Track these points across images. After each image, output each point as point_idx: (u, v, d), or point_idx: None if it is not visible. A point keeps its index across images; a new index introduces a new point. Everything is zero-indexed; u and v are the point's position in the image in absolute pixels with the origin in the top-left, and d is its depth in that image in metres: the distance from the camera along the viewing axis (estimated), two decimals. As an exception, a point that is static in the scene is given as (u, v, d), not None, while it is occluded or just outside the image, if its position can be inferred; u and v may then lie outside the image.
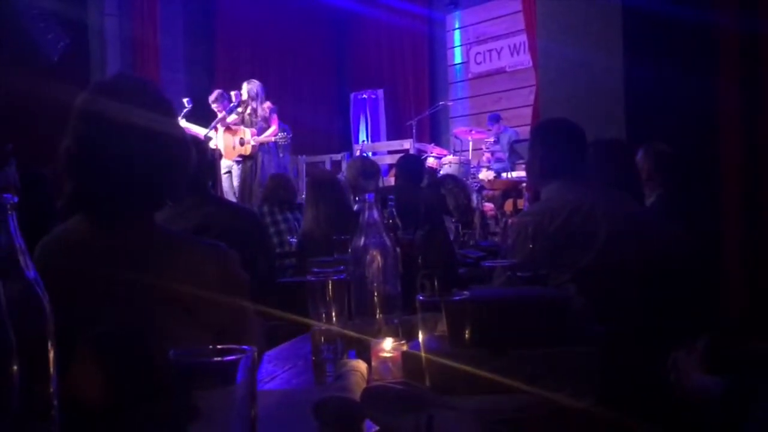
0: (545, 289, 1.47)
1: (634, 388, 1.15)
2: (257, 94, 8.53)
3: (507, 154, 9.37)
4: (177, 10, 10.29)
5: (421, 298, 1.26)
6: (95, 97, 1.58)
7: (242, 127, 8.51)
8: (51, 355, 0.79)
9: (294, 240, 4.96)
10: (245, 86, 8.58)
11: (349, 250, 2.41)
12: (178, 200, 1.70)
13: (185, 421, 0.74)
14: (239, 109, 8.49)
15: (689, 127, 4.37)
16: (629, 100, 4.71)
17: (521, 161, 8.93)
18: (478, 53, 11.72)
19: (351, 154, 10.51)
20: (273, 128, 8.50)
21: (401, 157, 6.16)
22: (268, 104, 8.57)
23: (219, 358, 0.73)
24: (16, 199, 0.79)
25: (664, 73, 4.49)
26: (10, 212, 0.78)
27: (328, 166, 10.46)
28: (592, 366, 1.18)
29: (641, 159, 4.05)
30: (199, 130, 7.85)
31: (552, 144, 2.81)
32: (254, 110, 8.50)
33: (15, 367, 0.64)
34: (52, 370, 0.80)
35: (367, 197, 1.65)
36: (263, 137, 8.42)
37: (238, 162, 8.45)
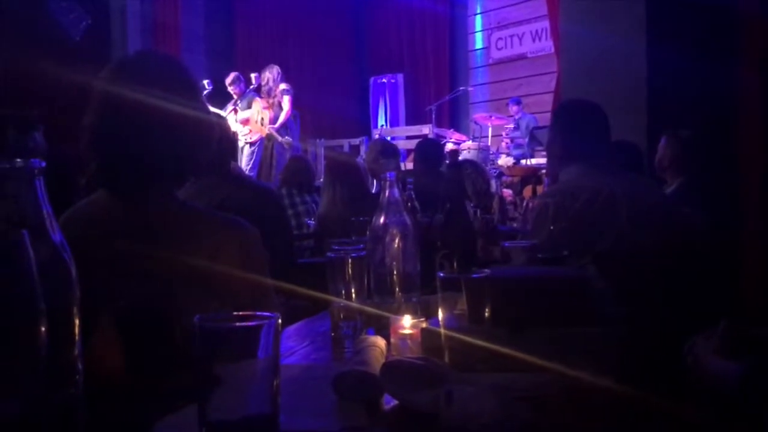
0: (566, 269, 1.47)
1: (654, 369, 1.14)
2: (275, 79, 8.60)
3: (526, 141, 9.33)
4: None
5: (441, 275, 1.26)
6: (119, 73, 1.59)
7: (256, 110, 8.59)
8: (76, 320, 0.80)
9: (312, 222, 4.98)
10: (265, 72, 8.67)
11: (368, 231, 2.41)
12: (200, 176, 1.71)
13: (208, 390, 0.75)
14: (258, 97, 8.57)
15: (711, 113, 4.33)
16: (652, 85, 4.68)
17: (540, 148, 8.89)
18: (500, 38, 11.66)
19: (369, 139, 10.50)
20: (286, 110, 8.56)
21: (420, 142, 6.15)
22: (283, 86, 8.63)
23: (243, 324, 0.73)
24: (43, 164, 0.79)
25: (687, 58, 4.44)
26: (37, 177, 0.78)
27: (346, 150, 10.46)
28: (612, 346, 1.18)
29: (664, 146, 4.02)
30: (216, 112, 7.91)
31: (572, 125, 2.77)
32: (269, 93, 8.57)
33: (43, 330, 0.65)
34: (77, 335, 0.81)
35: (388, 175, 1.65)
36: (279, 123, 8.49)
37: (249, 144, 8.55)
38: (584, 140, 2.72)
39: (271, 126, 8.55)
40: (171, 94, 1.56)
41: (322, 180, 4.99)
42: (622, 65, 4.84)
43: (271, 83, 8.65)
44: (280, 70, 8.81)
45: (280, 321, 0.75)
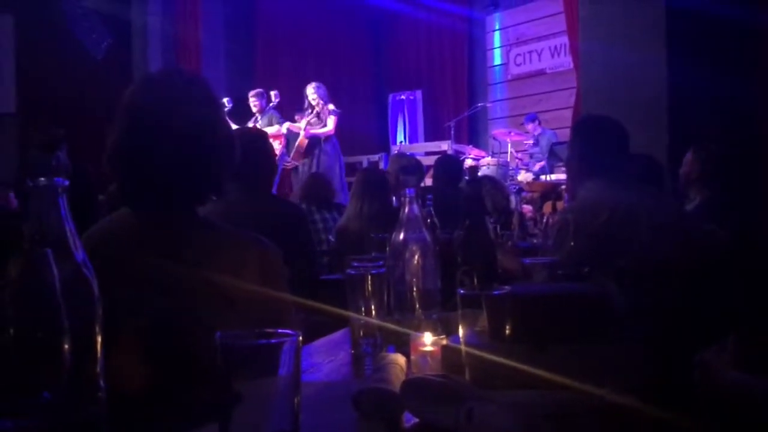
0: (587, 285, 1.46)
1: (676, 386, 1.13)
2: (322, 96, 8.62)
3: (546, 156, 9.31)
4: (218, 9, 10.40)
5: (461, 291, 1.25)
6: (143, 91, 1.61)
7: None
8: (99, 337, 0.81)
9: (331, 238, 4.99)
10: (310, 89, 8.68)
11: (387, 248, 2.41)
12: (222, 195, 1.72)
13: (229, 407, 0.75)
14: (308, 111, 8.61)
15: (732, 128, 4.30)
16: (672, 99, 4.66)
17: (560, 164, 8.86)
18: (518, 55, 11.66)
19: (388, 155, 10.51)
20: (328, 129, 8.58)
21: (439, 158, 6.16)
22: (331, 106, 8.66)
23: (264, 341, 0.73)
24: (67, 183, 0.80)
25: (707, 73, 4.43)
26: (60, 195, 0.79)
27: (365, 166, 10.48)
28: (634, 363, 1.17)
29: (690, 160, 3.99)
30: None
31: (592, 141, 2.76)
32: (321, 110, 8.59)
33: (67, 348, 0.65)
34: (99, 353, 0.81)
35: (407, 192, 1.66)
36: (317, 131, 8.50)
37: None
38: (604, 156, 2.71)
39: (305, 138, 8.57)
40: (195, 112, 1.57)
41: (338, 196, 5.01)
42: (641, 80, 4.83)
43: (318, 100, 8.66)
44: (326, 89, 8.84)
45: (300, 338, 0.75)
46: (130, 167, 1.59)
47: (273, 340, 0.73)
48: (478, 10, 12.10)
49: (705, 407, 1.06)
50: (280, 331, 0.76)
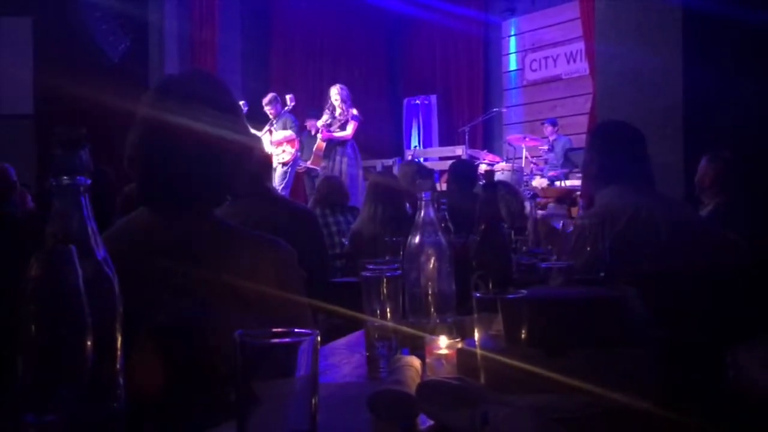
0: (604, 290, 1.45)
1: (694, 390, 1.13)
2: (345, 100, 8.65)
3: (561, 162, 9.29)
4: (235, 11, 10.45)
5: (477, 295, 1.25)
6: (163, 92, 1.62)
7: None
8: (119, 335, 0.81)
9: (345, 241, 4.99)
10: (334, 90, 8.71)
11: (401, 252, 2.40)
12: (238, 197, 1.72)
13: (247, 406, 0.75)
14: (326, 116, 8.64)
15: (748, 133, 4.28)
16: (688, 105, 4.64)
17: (575, 170, 8.85)
18: (534, 60, 11.65)
19: (402, 159, 10.53)
20: (347, 133, 8.60)
21: (454, 163, 6.15)
22: (354, 111, 8.68)
23: (283, 339, 0.74)
24: (89, 182, 0.81)
25: (724, 78, 4.40)
26: (83, 194, 0.80)
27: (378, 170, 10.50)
28: (651, 368, 1.17)
29: (705, 165, 3.98)
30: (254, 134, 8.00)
31: (609, 147, 2.76)
32: (342, 113, 8.61)
33: (89, 345, 0.66)
34: (119, 350, 0.82)
35: (423, 195, 1.66)
36: (335, 134, 8.52)
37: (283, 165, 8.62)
38: (621, 161, 2.71)
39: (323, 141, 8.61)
40: (213, 115, 1.58)
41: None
42: (658, 86, 4.81)
43: (341, 103, 8.69)
44: (349, 92, 8.87)
45: (318, 338, 0.76)
46: (148, 168, 1.60)
47: (291, 339, 0.74)
48: (494, 16, 12.11)
49: (737, 407, 1.05)
50: (298, 330, 0.76)
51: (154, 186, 1.61)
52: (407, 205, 4.75)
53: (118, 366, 0.82)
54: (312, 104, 10.15)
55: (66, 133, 0.79)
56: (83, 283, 0.72)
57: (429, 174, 5.20)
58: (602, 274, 1.59)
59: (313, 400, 0.77)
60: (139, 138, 1.59)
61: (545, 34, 11.45)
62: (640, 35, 4.89)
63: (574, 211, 7.59)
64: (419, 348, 1.46)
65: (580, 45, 10.11)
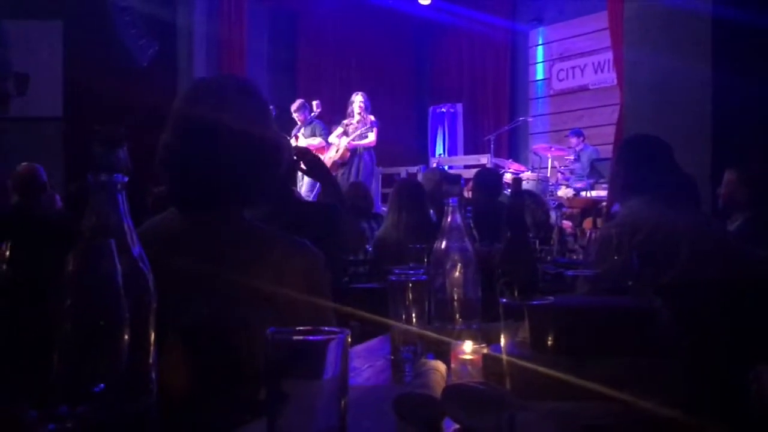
0: (631, 299, 1.45)
1: (721, 401, 1.12)
2: (365, 107, 8.72)
3: (587, 173, 9.24)
4: (263, 14, 10.53)
5: (504, 301, 1.26)
6: (197, 95, 1.64)
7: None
8: (152, 331, 0.83)
9: (369, 248, 5.01)
10: (359, 98, 8.77)
11: (425, 259, 2.40)
12: (268, 201, 1.74)
13: (278, 403, 0.76)
14: (345, 121, 8.69)
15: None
16: (717, 116, 4.60)
17: (601, 180, 8.80)
18: (561, 70, 11.62)
19: (427, 167, 10.53)
20: (370, 140, 8.65)
21: (479, 171, 6.15)
22: (372, 117, 8.74)
23: (314, 337, 0.75)
24: (126, 179, 0.82)
25: (753, 89, 4.36)
26: (120, 191, 0.82)
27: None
28: (678, 377, 1.16)
29: (730, 180, 3.94)
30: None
31: (636, 159, 2.78)
32: (361, 120, 8.66)
33: (126, 338, 0.67)
34: (153, 345, 0.83)
35: (450, 201, 1.66)
36: (358, 142, 8.57)
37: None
38: (647, 174, 2.72)
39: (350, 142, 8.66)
40: (245, 118, 1.60)
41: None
42: (686, 96, 4.79)
43: (362, 111, 8.75)
44: (368, 98, 8.94)
45: (349, 338, 0.77)
46: (179, 169, 1.62)
47: (322, 337, 0.75)
48: (521, 25, 12.09)
49: (760, 421, 1.05)
50: (329, 329, 0.77)
51: (184, 187, 1.62)
52: (431, 212, 4.76)
53: (151, 361, 0.83)
54: (337, 111, 10.18)
55: (106, 132, 0.81)
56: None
57: (456, 180, 5.20)
58: (630, 283, 1.58)
59: (343, 401, 0.77)
60: (170, 140, 1.61)
61: (573, 44, 11.41)
62: (669, 45, 4.87)
63: (600, 222, 7.55)
64: (444, 353, 1.46)
65: (608, 55, 10.07)
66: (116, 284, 0.65)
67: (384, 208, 6.06)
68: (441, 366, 1.33)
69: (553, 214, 6.08)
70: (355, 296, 3.65)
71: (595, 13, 10.24)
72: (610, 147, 8.87)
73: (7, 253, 0.62)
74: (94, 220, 0.80)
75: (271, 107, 1.75)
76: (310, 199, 8.41)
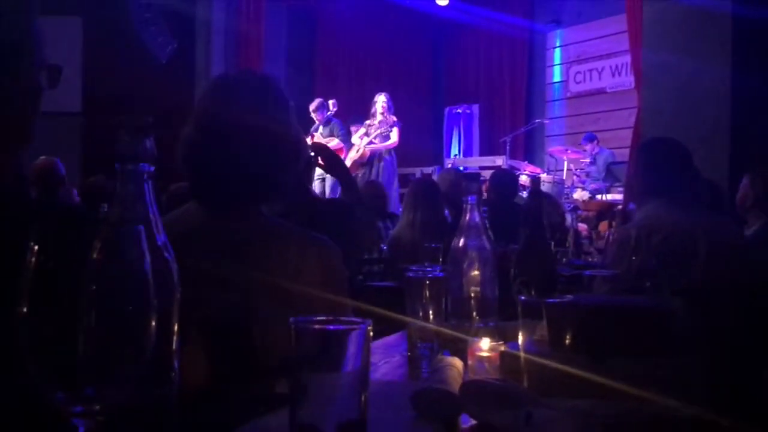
0: (650, 300, 1.45)
1: (737, 402, 1.12)
2: (388, 107, 8.75)
3: (603, 176, 9.21)
4: (282, 19, 10.56)
5: (522, 298, 1.26)
6: (218, 90, 1.65)
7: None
8: (175, 320, 0.84)
9: (384, 247, 5.01)
10: (382, 98, 8.80)
11: (440, 258, 2.40)
12: (285, 197, 1.75)
13: (298, 396, 0.76)
14: (368, 121, 8.73)
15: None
16: (735, 121, 4.58)
17: (617, 184, 8.77)
18: (578, 72, 11.57)
19: (441, 168, 10.52)
20: (393, 141, 8.67)
21: (495, 172, 6.14)
22: (394, 118, 8.77)
23: (335, 327, 0.75)
24: (152, 168, 0.83)
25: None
26: (146, 180, 0.83)
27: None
28: (696, 378, 1.16)
29: (747, 185, 3.92)
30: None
31: (654, 163, 2.78)
32: (383, 121, 8.69)
33: (153, 325, 0.67)
34: (175, 334, 0.84)
35: (469, 199, 1.66)
36: (380, 144, 8.59)
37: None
38: (665, 177, 2.72)
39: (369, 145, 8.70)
40: (266, 115, 1.61)
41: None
42: (704, 99, 4.76)
43: (384, 111, 8.78)
44: (390, 99, 8.97)
45: (370, 329, 0.77)
46: (200, 165, 1.63)
47: (344, 327, 0.75)
48: (539, 27, 12.05)
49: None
50: (349, 319, 0.78)
51: (205, 183, 1.64)
52: (447, 211, 4.75)
53: (174, 349, 0.84)
54: (354, 110, 10.20)
55: (133, 121, 0.81)
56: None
57: (475, 177, 5.19)
58: (648, 284, 1.58)
59: (363, 393, 0.78)
60: (192, 135, 1.62)
61: (590, 47, 11.36)
62: (689, 47, 4.84)
63: (615, 224, 7.51)
64: (461, 350, 1.46)
65: (626, 58, 10.02)
66: (145, 270, 0.66)
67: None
68: (458, 362, 1.33)
69: (568, 217, 6.06)
70: (370, 294, 3.66)
71: (614, 15, 10.19)
72: (627, 150, 8.83)
73: (36, 247, 0.62)
74: (120, 208, 0.81)
75: (291, 104, 1.76)
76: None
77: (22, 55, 1.22)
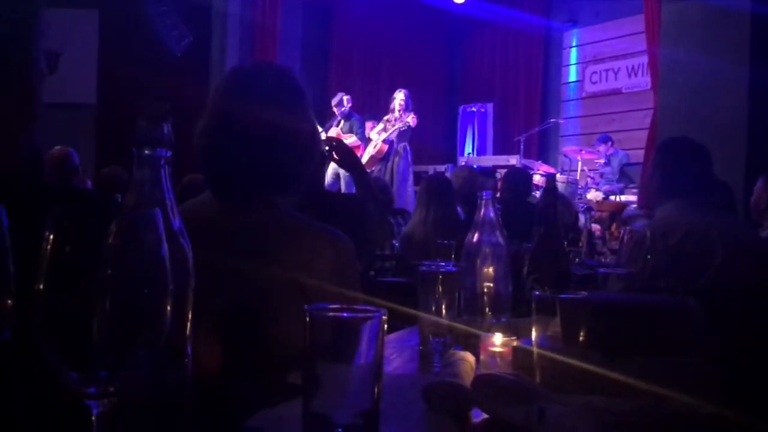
0: (666, 298, 1.43)
1: (751, 401, 1.11)
2: (406, 104, 8.78)
3: (617, 177, 9.17)
4: (297, 13, 10.55)
5: (536, 294, 1.25)
6: (235, 82, 1.65)
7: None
8: (190, 305, 0.84)
9: (395, 243, 5.00)
10: (401, 95, 8.83)
11: (452, 255, 2.39)
12: (301, 190, 1.75)
13: (312, 385, 0.76)
14: (386, 117, 8.76)
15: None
16: (752, 121, 4.55)
17: (631, 185, 8.74)
18: (594, 72, 11.52)
19: (455, 166, 10.50)
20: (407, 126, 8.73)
21: (509, 171, 6.13)
22: (413, 115, 8.80)
23: (351, 314, 0.75)
24: (169, 154, 0.83)
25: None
26: (163, 166, 0.82)
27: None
28: (710, 377, 1.15)
29: (761, 188, 3.90)
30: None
31: (672, 163, 2.76)
32: (399, 117, 8.72)
33: (169, 309, 0.67)
34: (189, 320, 0.84)
35: (484, 194, 1.66)
36: (393, 134, 8.62)
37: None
38: (683, 179, 2.71)
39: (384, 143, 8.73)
40: (282, 107, 1.61)
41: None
42: (721, 99, 4.73)
43: (400, 108, 8.81)
44: (409, 96, 9.00)
45: (386, 318, 0.76)
46: (216, 154, 1.63)
47: (359, 315, 0.75)
48: (555, 26, 12.01)
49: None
50: (365, 307, 0.77)
51: (220, 173, 1.64)
52: (459, 209, 4.75)
53: (187, 334, 0.84)
54: (367, 107, 10.20)
55: (151, 106, 0.81)
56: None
57: (491, 173, 5.18)
58: (663, 284, 1.57)
59: (377, 384, 0.77)
60: (209, 125, 1.62)
61: (607, 47, 11.31)
62: (707, 46, 4.81)
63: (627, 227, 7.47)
64: (473, 346, 1.46)
65: (642, 59, 9.98)
66: (161, 254, 0.66)
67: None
68: (470, 357, 1.33)
69: (582, 217, 6.04)
70: (381, 290, 3.65)
71: (631, 15, 10.15)
72: (641, 152, 8.80)
73: (53, 231, 0.62)
74: (136, 193, 0.81)
75: (308, 96, 1.76)
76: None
77: (27, 30, 1.23)
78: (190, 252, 0.83)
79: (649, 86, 9.42)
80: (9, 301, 0.67)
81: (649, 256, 1.89)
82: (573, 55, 11.94)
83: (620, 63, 11.11)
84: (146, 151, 0.81)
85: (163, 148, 0.83)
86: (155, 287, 0.65)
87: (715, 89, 4.75)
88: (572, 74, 11.94)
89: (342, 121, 8.93)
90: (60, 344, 0.64)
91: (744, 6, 4.57)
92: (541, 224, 1.76)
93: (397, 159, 8.67)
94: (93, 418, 0.65)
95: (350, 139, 8.74)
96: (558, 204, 4.41)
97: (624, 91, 11.06)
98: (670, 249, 2.39)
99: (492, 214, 1.65)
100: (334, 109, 8.92)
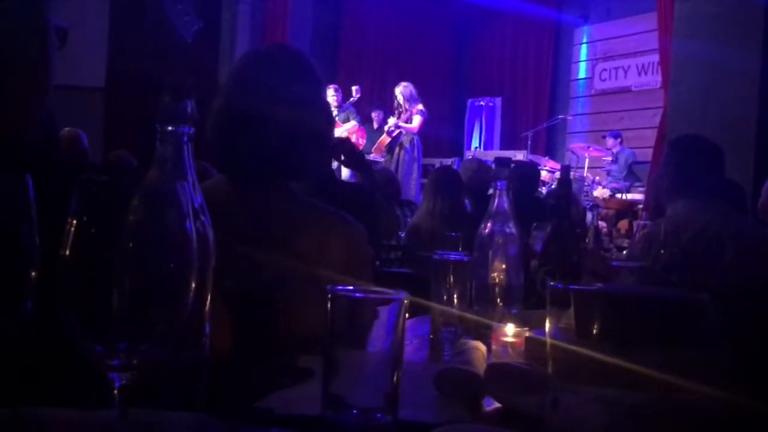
0: (681, 291, 1.43)
1: (764, 396, 1.10)
2: (409, 97, 8.77)
3: (624, 175, 9.15)
4: (306, 6, 10.52)
5: (551, 284, 1.24)
6: (250, 65, 1.65)
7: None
8: (209, 283, 0.83)
9: (401, 234, 5.00)
10: (398, 89, 8.82)
11: (459, 247, 2.39)
12: (312, 175, 1.75)
13: (334, 362, 0.76)
14: (393, 119, 8.78)
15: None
16: (762, 121, 4.53)
17: (638, 183, 8.72)
18: (604, 70, 11.48)
19: (461, 160, 10.49)
20: (413, 126, 8.71)
21: (517, 164, 6.11)
22: (420, 106, 8.79)
23: (373, 295, 0.74)
24: (192, 131, 0.83)
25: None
26: (186, 143, 0.82)
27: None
28: (724, 371, 1.14)
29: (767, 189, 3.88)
30: None
31: (684, 161, 2.75)
32: (406, 111, 8.72)
33: (193, 285, 0.67)
34: (208, 298, 0.84)
35: (498, 185, 1.65)
36: (403, 124, 8.62)
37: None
38: (695, 177, 2.69)
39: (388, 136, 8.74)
40: (297, 90, 1.60)
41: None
42: (732, 98, 4.71)
43: (404, 102, 8.81)
44: (415, 89, 8.98)
45: (407, 302, 0.76)
46: (227, 136, 1.62)
47: (381, 296, 0.74)
48: (566, 22, 11.97)
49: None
50: (386, 290, 0.77)
51: (233, 156, 1.63)
52: (467, 201, 4.74)
53: (206, 314, 0.84)
54: (375, 99, 10.18)
55: (175, 82, 0.81)
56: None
57: (507, 163, 5.16)
58: (676, 278, 1.56)
59: (397, 369, 0.77)
60: (222, 106, 1.61)
61: (618, 44, 11.27)
62: (719, 45, 4.79)
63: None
64: (484, 336, 1.45)
65: (653, 57, 9.93)
66: (184, 229, 0.65)
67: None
68: (482, 346, 1.32)
69: (589, 214, 6.03)
70: (387, 280, 3.65)
71: (643, 13, 10.10)
72: (650, 150, 8.77)
73: (75, 221, 0.61)
74: (159, 169, 0.80)
75: (323, 80, 1.75)
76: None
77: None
78: (210, 230, 0.83)
79: (659, 85, 9.38)
80: (33, 273, 0.66)
81: (662, 251, 1.88)
82: (583, 51, 11.90)
83: (630, 61, 11.07)
84: (169, 128, 0.81)
85: (186, 125, 0.82)
86: (179, 262, 0.65)
87: (726, 87, 4.74)
88: (582, 71, 11.91)
89: (336, 111, 8.94)
90: (83, 316, 0.63)
91: (759, 1, 4.55)
92: (554, 215, 1.76)
93: (402, 151, 8.68)
94: (115, 391, 0.65)
95: (351, 124, 8.77)
96: (572, 193, 4.42)
97: (633, 89, 11.02)
98: (683, 246, 2.38)
99: (506, 205, 1.65)
100: (331, 99, 8.93)
